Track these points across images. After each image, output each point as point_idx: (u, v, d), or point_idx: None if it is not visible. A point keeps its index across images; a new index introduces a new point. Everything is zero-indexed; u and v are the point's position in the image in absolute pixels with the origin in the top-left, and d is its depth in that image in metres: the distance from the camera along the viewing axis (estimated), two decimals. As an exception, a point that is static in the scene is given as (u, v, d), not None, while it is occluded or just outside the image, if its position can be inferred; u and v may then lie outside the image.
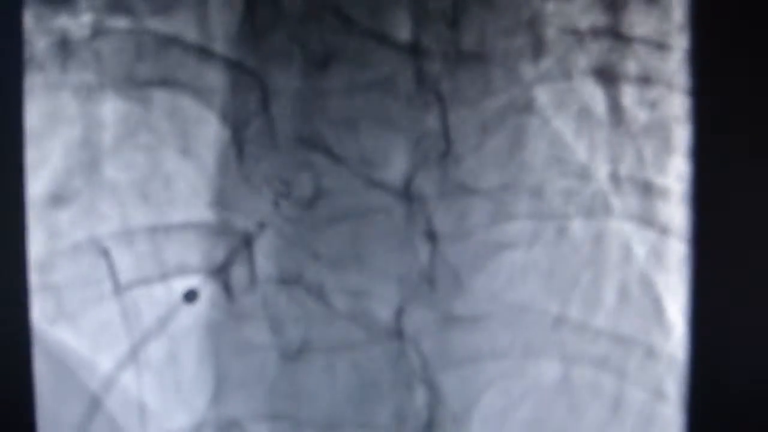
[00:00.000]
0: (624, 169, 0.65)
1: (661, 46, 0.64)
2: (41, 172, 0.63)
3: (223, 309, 0.64)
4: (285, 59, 0.64)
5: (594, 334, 0.65)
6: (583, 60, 0.65)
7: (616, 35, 0.65)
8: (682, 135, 0.64)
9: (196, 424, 0.65)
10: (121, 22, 0.63)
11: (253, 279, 0.64)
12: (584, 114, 0.65)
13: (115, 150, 0.64)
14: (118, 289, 0.64)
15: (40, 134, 0.63)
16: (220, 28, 0.64)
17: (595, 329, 0.65)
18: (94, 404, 0.64)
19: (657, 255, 0.65)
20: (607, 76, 0.65)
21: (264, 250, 0.64)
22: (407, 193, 0.65)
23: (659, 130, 0.65)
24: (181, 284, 0.64)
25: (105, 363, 0.64)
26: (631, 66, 0.65)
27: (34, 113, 0.63)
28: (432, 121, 0.64)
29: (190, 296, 0.64)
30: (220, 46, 0.64)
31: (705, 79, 0.64)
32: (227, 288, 0.64)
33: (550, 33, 0.64)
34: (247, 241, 0.64)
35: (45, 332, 0.63)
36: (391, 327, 0.65)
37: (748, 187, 0.64)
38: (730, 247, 0.64)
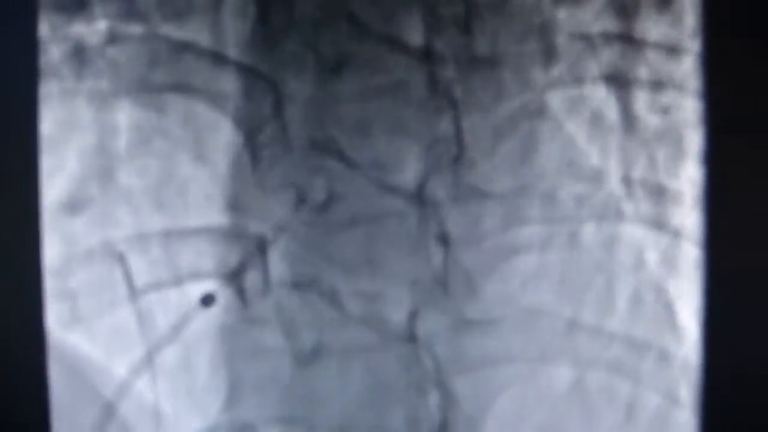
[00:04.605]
0: (636, 174, 0.65)
1: (673, 50, 0.65)
2: (56, 179, 0.64)
3: (237, 313, 0.65)
4: (298, 64, 0.64)
5: (607, 338, 0.65)
6: (595, 65, 0.65)
7: (628, 40, 0.65)
8: (694, 139, 0.65)
9: (210, 427, 0.65)
10: (135, 29, 0.64)
11: (266, 283, 0.65)
12: (596, 119, 0.65)
13: (129, 156, 0.64)
14: (133, 294, 0.64)
15: (56, 141, 0.64)
16: (234, 34, 0.64)
17: (608, 333, 0.65)
18: (109, 409, 0.64)
19: (670, 259, 0.65)
20: (619, 81, 0.65)
21: (277, 255, 0.65)
22: (420, 198, 0.65)
23: (671, 135, 0.65)
24: (195, 289, 0.64)
25: (119, 368, 0.64)
26: (643, 71, 0.65)
27: (49, 120, 0.63)
28: (445, 125, 0.65)
29: (207, 300, 0.64)
30: (233, 52, 0.64)
31: (717, 83, 0.64)
32: (241, 293, 0.65)
33: (562, 38, 0.65)
34: (261, 246, 0.64)
35: (60, 338, 0.64)
36: (404, 331, 0.65)
37: (760, 190, 0.64)
38: (742, 250, 0.64)
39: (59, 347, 0.64)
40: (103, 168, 0.64)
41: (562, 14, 0.64)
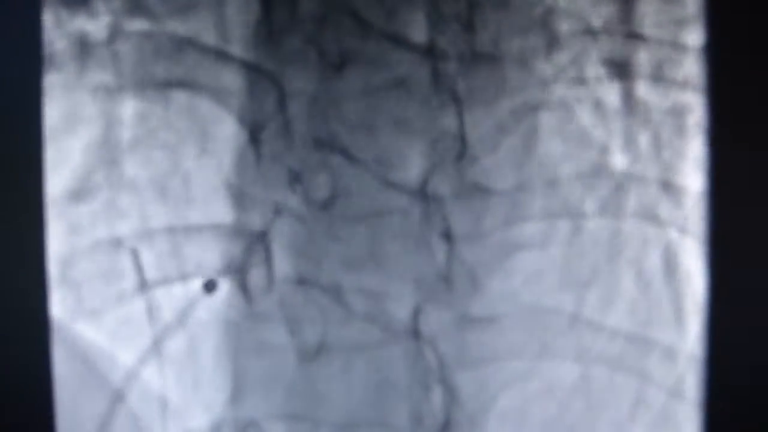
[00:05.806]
0: (640, 168, 0.65)
1: (676, 45, 0.65)
2: (60, 174, 0.64)
3: (240, 310, 0.65)
4: (302, 61, 0.64)
5: (611, 334, 0.65)
6: (597, 60, 0.65)
7: (631, 35, 0.65)
8: (698, 134, 0.64)
9: (214, 423, 0.65)
10: (139, 24, 0.64)
11: (270, 280, 0.65)
12: (599, 113, 0.65)
13: (133, 151, 0.64)
14: (138, 288, 0.64)
15: (60, 136, 0.64)
16: (237, 31, 0.64)
17: (612, 329, 0.65)
18: (115, 402, 0.65)
19: (674, 254, 0.65)
20: (622, 74, 0.65)
21: (281, 251, 0.65)
22: (423, 194, 0.65)
23: (675, 128, 0.65)
24: (199, 285, 0.65)
25: (124, 361, 0.64)
26: (646, 66, 0.65)
27: (53, 113, 0.64)
28: (448, 121, 0.65)
29: (210, 286, 0.64)
30: (237, 49, 0.64)
31: (721, 75, 0.64)
32: (245, 289, 0.65)
33: (564, 31, 0.65)
34: (264, 243, 0.65)
35: (66, 329, 0.64)
36: (407, 327, 0.65)
37: (765, 185, 0.64)
38: (747, 245, 0.64)
39: (65, 338, 0.64)
40: (107, 163, 0.64)
41: (563, 6, 0.65)
